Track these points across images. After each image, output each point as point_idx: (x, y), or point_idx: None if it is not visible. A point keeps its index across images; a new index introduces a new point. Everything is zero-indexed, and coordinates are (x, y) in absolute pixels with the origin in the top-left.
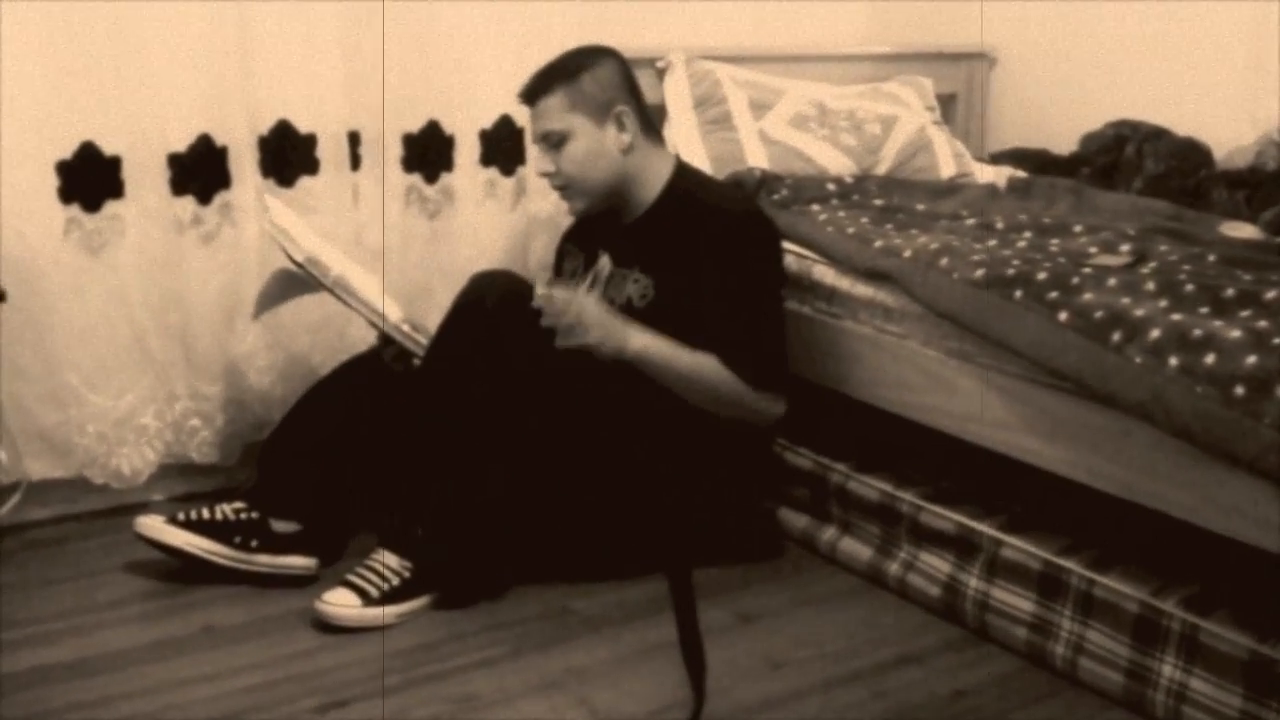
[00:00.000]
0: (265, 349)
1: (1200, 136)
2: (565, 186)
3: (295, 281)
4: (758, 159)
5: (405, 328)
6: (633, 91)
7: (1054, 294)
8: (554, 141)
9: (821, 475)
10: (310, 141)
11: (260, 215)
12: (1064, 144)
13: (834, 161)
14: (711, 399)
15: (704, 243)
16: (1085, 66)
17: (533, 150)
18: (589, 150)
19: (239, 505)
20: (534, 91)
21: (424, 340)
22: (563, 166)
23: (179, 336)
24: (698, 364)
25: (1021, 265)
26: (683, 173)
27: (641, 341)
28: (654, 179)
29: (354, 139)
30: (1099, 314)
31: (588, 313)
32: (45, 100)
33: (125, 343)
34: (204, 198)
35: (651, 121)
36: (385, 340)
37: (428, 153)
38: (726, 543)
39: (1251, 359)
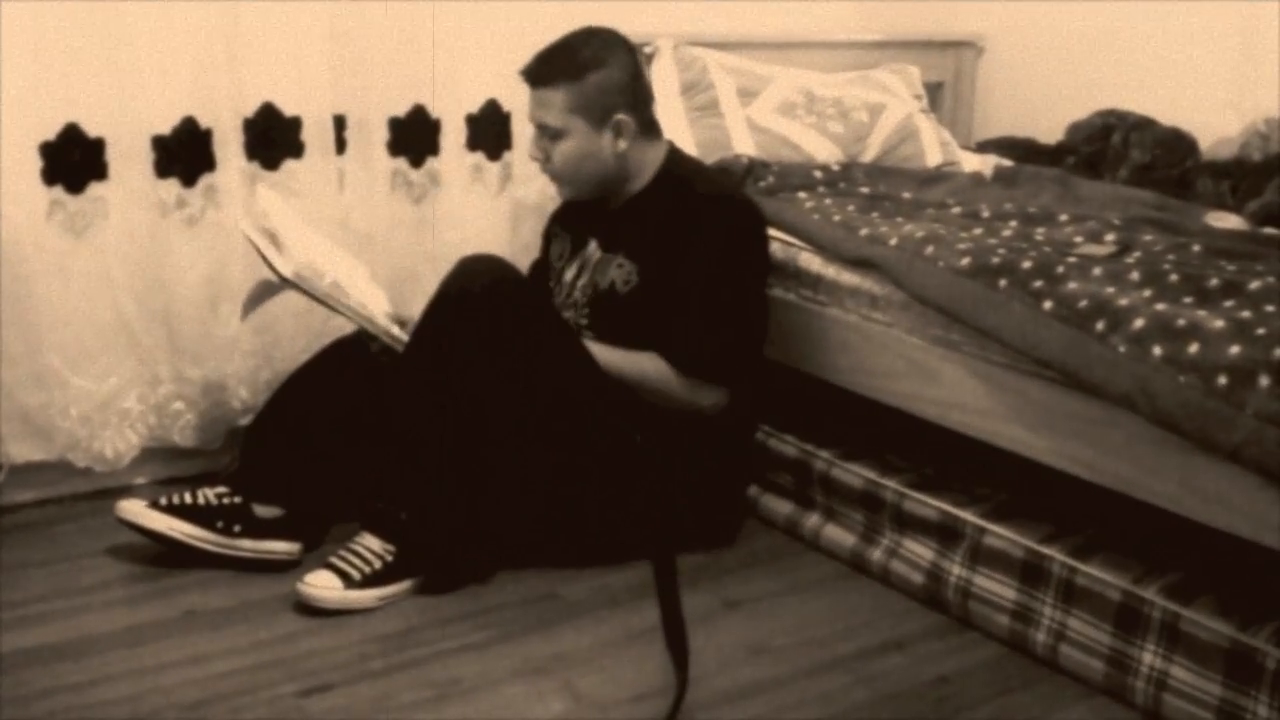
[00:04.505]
0: (249, 333)
1: (1186, 127)
2: (553, 176)
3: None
4: (744, 146)
5: (395, 330)
6: (636, 92)
7: (1039, 283)
8: (549, 134)
9: (805, 462)
10: (295, 124)
11: (246, 199)
12: (1051, 133)
13: (821, 149)
14: (650, 392)
15: (686, 229)
16: (1072, 56)
17: (519, 135)
18: (581, 152)
19: (222, 490)
20: (537, 77)
21: None
22: (554, 159)
23: (162, 319)
24: (638, 364)
25: (1007, 254)
26: (674, 160)
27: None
28: (646, 169)
29: (339, 122)
30: (1083, 303)
31: None
32: (29, 81)
33: (108, 325)
34: (188, 180)
35: (652, 119)
36: (373, 335)
37: (413, 137)
38: (701, 530)
39: (1235, 349)
